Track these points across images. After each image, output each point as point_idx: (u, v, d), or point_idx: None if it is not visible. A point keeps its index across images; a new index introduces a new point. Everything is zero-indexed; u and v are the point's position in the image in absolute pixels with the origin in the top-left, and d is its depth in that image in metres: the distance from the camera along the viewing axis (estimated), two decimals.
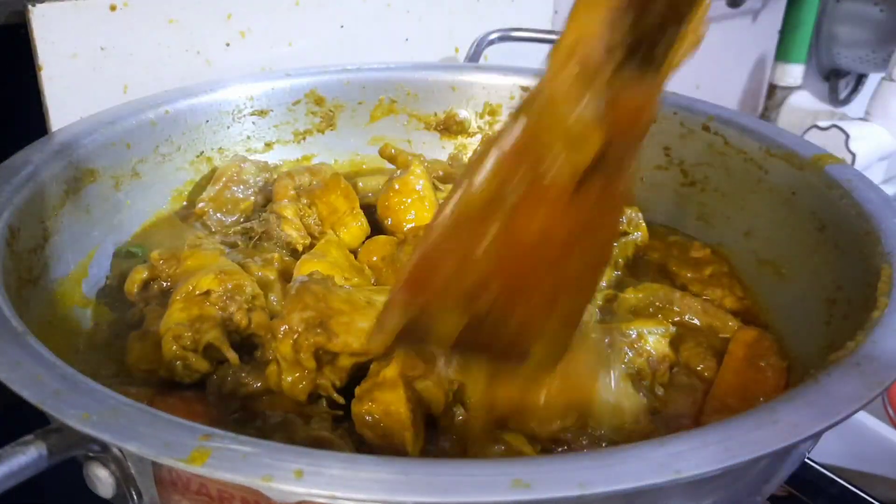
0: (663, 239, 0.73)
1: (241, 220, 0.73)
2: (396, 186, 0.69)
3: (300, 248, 0.67)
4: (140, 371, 0.53)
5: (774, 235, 0.67)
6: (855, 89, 1.81)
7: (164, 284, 0.61)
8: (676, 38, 0.34)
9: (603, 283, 0.63)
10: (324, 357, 0.49)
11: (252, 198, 0.75)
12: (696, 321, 0.60)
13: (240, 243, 0.68)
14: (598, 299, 0.60)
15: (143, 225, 0.72)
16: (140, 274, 0.61)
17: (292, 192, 0.73)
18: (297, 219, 0.68)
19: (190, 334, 0.52)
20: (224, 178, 0.75)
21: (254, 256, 0.63)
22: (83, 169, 0.65)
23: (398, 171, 0.72)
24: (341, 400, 0.50)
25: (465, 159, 0.89)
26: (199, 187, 0.77)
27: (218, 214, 0.72)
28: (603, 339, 0.52)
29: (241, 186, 0.75)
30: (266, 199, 0.74)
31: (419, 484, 0.33)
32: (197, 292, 0.55)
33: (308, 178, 0.76)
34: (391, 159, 0.84)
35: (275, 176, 0.76)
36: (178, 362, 0.52)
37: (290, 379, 0.49)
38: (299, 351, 0.48)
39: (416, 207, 0.68)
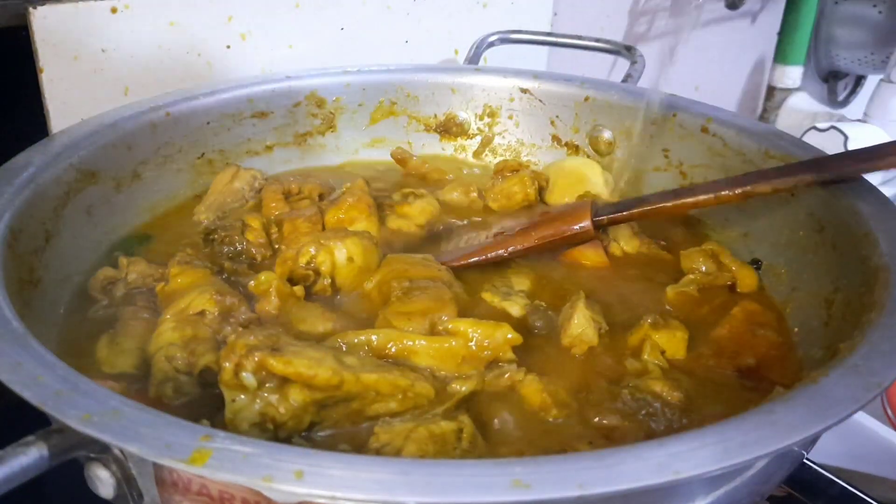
0: None
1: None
2: (342, 205, 0.70)
3: (259, 258, 0.66)
4: (106, 373, 0.52)
5: (773, 237, 0.68)
6: (853, 91, 1.81)
7: (132, 288, 0.60)
8: None
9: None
10: (268, 381, 0.46)
11: (248, 204, 0.75)
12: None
13: (199, 241, 0.68)
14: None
15: (144, 227, 0.72)
16: (107, 272, 0.61)
17: (280, 197, 0.74)
18: (263, 230, 0.68)
19: (184, 356, 0.51)
20: (220, 186, 0.75)
21: (246, 278, 0.61)
22: (84, 171, 0.65)
23: (345, 191, 0.73)
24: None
25: (464, 159, 0.89)
26: (200, 190, 0.77)
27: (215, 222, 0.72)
28: None
29: (238, 194, 0.75)
30: (260, 205, 0.75)
31: (419, 484, 0.33)
32: (191, 312, 0.53)
33: (297, 184, 0.76)
34: (401, 163, 0.85)
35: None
36: (169, 384, 0.50)
37: (233, 406, 0.45)
38: (240, 371, 0.45)
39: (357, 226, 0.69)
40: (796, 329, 0.60)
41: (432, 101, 0.88)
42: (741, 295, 0.65)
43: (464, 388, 0.50)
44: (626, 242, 0.71)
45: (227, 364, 0.46)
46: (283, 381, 0.46)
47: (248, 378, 0.45)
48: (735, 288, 0.65)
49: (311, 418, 0.47)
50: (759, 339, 0.58)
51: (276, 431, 0.46)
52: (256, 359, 0.46)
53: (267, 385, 0.46)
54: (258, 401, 0.46)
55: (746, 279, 0.65)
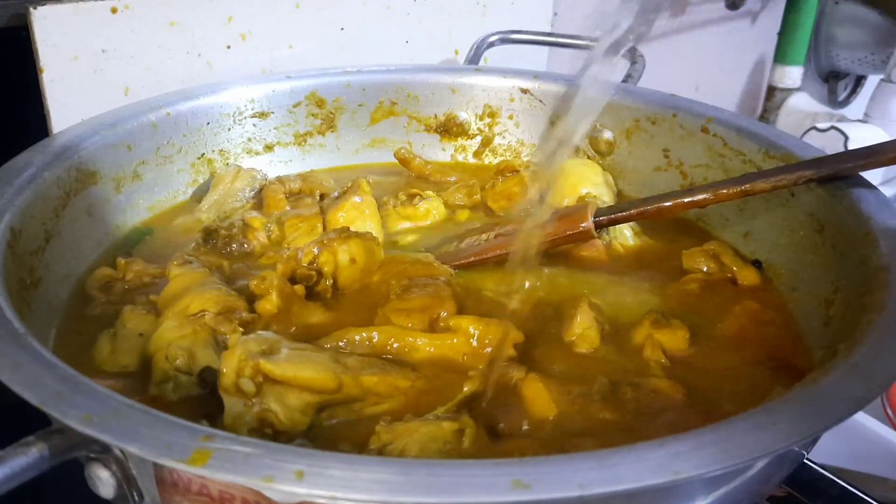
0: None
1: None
2: (344, 205, 0.70)
3: (259, 258, 0.67)
4: (106, 372, 0.52)
5: (773, 237, 0.68)
6: (854, 91, 1.81)
7: (130, 287, 0.61)
8: None
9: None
10: (267, 385, 0.46)
11: (248, 204, 0.75)
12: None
13: (200, 241, 0.68)
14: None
15: (145, 226, 0.72)
16: (105, 271, 0.62)
17: (281, 197, 0.74)
18: (263, 231, 0.68)
19: (184, 355, 0.51)
20: (221, 186, 0.76)
21: (246, 278, 0.61)
22: (84, 171, 0.65)
23: (347, 190, 0.73)
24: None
25: (460, 159, 0.89)
26: (200, 190, 0.78)
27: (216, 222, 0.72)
28: None
29: (238, 194, 0.75)
30: (260, 204, 0.75)
31: (419, 484, 0.33)
32: (190, 311, 0.54)
33: (299, 184, 0.76)
34: (404, 163, 0.85)
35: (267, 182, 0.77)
36: (169, 383, 0.50)
37: (233, 411, 0.46)
38: (240, 376, 0.46)
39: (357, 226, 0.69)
40: (797, 330, 0.60)
41: (433, 102, 0.88)
42: (743, 293, 0.65)
43: (466, 388, 0.50)
44: (627, 241, 0.71)
45: (226, 369, 0.46)
46: (282, 386, 0.46)
47: (247, 384, 0.45)
48: (736, 285, 0.65)
49: (310, 421, 0.47)
50: (762, 336, 0.58)
51: (275, 437, 0.46)
52: (255, 364, 0.46)
53: (266, 390, 0.46)
54: (257, 406, 0.46)
55: (748, 279, 0.65)
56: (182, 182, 0.77)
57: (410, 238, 0.72)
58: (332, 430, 0.48)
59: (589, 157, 0.84)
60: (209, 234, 0.69)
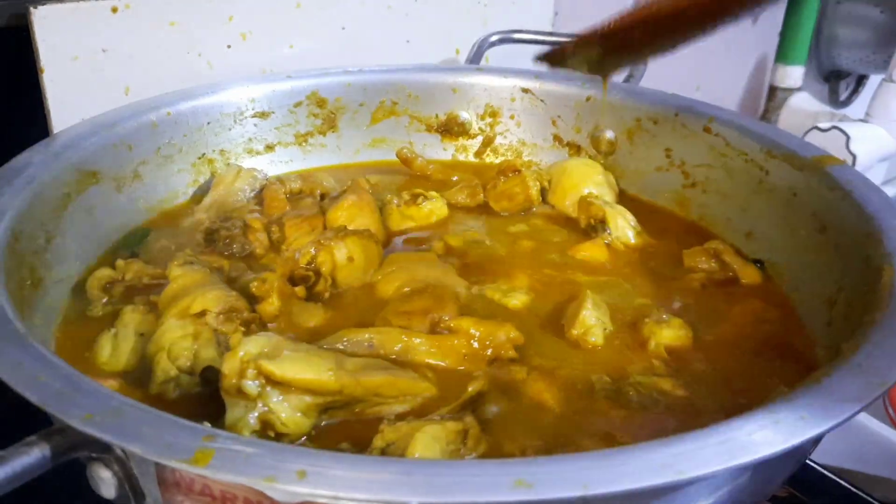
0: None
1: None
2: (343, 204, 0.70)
3: (260, 258, 0.67)
4: (107, 372, 0.52)
5: (775, 237, 0.68)
6: (855, 91, 1.81)
7: (130, 288, 0.61)
8: None
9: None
10: (269, 388, 0.46)
11: (249, 204, 0.75)
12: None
13: (200, 241, 0.68)
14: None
15: (145, 226, 0.72)
16: (104, 272, 0.62)
17: (282, 197, 0.74)
18: (264, 230, 0.68)
19: (186, 355, 0.51)
20: (221, 186, 0.76)
21: (247, 278, 0.61)
22: (85, 171, 0.65)
23: (346, 190, 0.73)
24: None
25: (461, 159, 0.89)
26: (201, 190, 0.77)
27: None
28: None
29: (239, 194, 0.75)
30: (261, 204, 0.75)
31: (421, 484, 0.33)
32: (192, 312, 0.54)
33: (299, 184, 0.76)
34: (406, 162, 0.85)
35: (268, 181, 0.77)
36: (171, 383, 0.50)
37: (235, 414, 0.46)
38: (242, 379, 0.45)
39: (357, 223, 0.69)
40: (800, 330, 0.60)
41: (433, 101, 0.88)
42: (745, 292, 0.65)
43: (470, 389, 0.50)
44: (629, 240, 0.71)
45: (228, 371, 0.46)
46: (284, 388, 0.46)
47: (249, 386, 0.45)
48: (738, 284, 0.65)
49: (312, 423, 0.47)
50: (764, 335, 0.58)
51: (278, 439, 0.46)
52: (257, 366, 0.46)
53: (268, 392, 0.46)
54: (259, 408, 0.46)
55: (750, 278, 0.65)
56: (182, 182, 0.77)
57: (411, 238, 0.72)
58: (334, 430, 0.48)
59: (591, 157, 0.84)
60: (210, 235, 0.68)
